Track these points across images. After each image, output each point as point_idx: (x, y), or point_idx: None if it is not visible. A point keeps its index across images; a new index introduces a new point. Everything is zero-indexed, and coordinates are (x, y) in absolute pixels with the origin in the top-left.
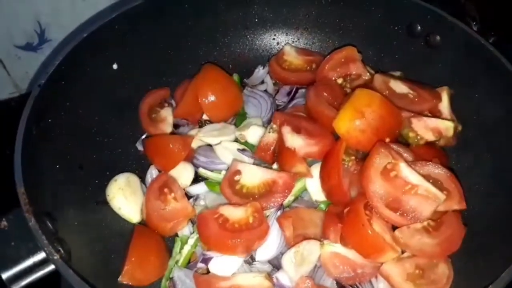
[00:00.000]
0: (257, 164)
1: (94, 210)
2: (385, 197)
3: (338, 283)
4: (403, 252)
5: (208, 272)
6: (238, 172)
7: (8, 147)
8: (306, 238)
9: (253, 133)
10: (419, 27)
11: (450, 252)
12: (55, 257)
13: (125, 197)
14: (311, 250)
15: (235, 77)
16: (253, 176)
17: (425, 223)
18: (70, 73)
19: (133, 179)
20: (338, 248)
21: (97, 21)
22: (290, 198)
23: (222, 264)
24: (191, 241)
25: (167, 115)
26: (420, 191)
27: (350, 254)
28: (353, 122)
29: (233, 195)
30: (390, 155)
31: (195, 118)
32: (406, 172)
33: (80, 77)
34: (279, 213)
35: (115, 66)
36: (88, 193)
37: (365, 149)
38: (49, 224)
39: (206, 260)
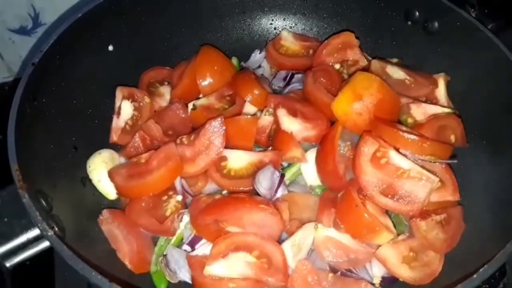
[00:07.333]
0: None
1: (88, 189)
2: (379, 184)
3: (332, 267)
4: (398, 234)
5: None
6: (224, 158)
7: (2, 131)
8: (301, 222)
9: None
10: (417, 13)
11: (451, 249)
12: (49, 233)
13: (107, 171)
14: (306, 235)
15: (234, 60)
16: (239, 159)
17: (441, 217)
18: (64, 53)
19: (117, 157)
20: (332, 232)
21: (92, 1)
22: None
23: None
24: (186, 219)
25: (165, 92)
26: (413, 174)
27: (344, 238)
28: (351, 104)
29: (221, 178)
30: (378, 142)
31: (192, 98)
32: (397, 158)
33: (75, 58)
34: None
35: (110, 48)
36: (82, 173)
37: (361, 133)
38: (43, 202)
39: (192, 243)
